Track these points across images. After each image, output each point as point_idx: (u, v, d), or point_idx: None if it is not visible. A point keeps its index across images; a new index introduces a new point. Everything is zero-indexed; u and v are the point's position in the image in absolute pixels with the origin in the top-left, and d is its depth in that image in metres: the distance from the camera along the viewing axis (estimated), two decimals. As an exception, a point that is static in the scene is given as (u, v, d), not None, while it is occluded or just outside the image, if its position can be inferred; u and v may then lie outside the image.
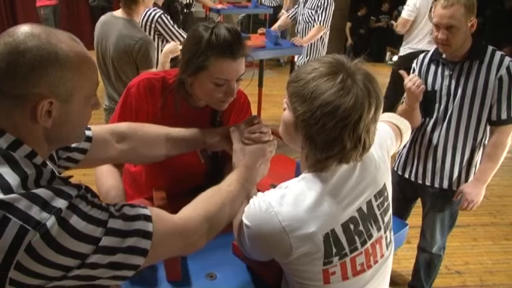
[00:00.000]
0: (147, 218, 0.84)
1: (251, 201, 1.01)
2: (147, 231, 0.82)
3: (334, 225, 0.96)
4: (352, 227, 0.99)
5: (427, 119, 2.02)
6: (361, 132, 0.93)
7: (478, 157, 2.00)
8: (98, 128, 1.15)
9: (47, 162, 0.82)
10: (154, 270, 1.23)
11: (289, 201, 0.95)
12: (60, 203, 0.72)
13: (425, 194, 2.16)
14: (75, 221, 0.72)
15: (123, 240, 0.78)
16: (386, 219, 1.07)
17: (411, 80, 1.90)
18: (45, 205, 0.71)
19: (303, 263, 0.97)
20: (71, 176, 0.85)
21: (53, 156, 0.98)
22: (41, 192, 0.72)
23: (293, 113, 0.98)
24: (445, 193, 2.06)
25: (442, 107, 1.96)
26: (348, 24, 8.26)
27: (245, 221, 1.00)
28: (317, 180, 0.98)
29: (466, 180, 2.02)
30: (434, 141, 2.01)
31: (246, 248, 1.06)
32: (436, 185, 2.06)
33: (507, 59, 1.83)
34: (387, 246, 1.09)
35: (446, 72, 1.93)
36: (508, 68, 1.81)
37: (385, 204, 1.07)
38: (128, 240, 0.79)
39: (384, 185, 1.08)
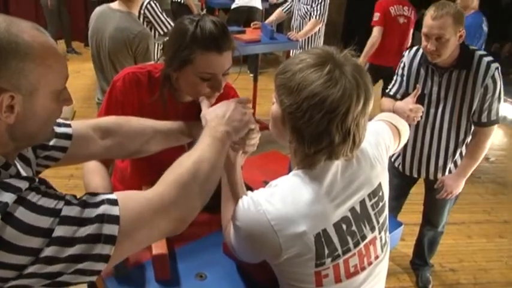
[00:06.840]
0: (112, 202, 0.76)
1: (240, 201, 0.98)
2: (112, 215, 0.74)
3: (326, 225, 0.94)
4: (344, 227, 0.96)
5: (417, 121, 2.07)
6: (349, 125, 0.90)
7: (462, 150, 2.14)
8: (80, 124, 1.09)
9: (17, 164, 0.76)
10: (142, 270, 1.20)
11: (279, 199, 0.93)
12: (7, 197, 0.66)
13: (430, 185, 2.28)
14: (22, 213, 0.66)
15: (81, 228, 0.70)
16: (381, 219, 1.05)
17: (413, 111, 1.85)
18: None
19: (293, 265, 0.94)
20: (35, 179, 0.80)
21: (27, 158, 0.92)
22: None
23: (280, 105, 0.95)
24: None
25: (432, 110, 2.06)
26: None
27: (234, 221, 0.97)
28: (308, 178, 0.95)
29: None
30: (427, 140, 2.12)
31: (235, 249, 1.03)
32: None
33: (493, 66, 1.90)
34: (382, 248, 1.06)
35: (436, 78, 1.99)
36: (493, 77, 1.89)
37: (380, 204, 1.05)
38: (88, 227, 0.71)
39: (379, 184, 1.05)
